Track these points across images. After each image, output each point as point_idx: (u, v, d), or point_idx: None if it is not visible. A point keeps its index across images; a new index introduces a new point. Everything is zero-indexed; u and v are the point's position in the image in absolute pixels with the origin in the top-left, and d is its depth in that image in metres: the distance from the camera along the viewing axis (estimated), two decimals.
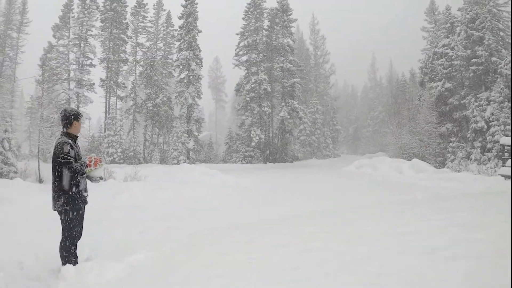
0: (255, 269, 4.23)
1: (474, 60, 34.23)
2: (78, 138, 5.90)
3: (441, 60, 37.71)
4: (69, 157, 5.35)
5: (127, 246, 6.69)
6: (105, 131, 45.55)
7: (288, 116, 47.72)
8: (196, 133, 43.87)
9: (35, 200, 12.89)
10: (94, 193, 12.60)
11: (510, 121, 28.77)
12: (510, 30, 35.51)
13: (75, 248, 5.63)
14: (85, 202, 5.72)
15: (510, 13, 36.10)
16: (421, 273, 3.65)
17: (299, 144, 58.75)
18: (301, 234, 6.22)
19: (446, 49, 37.80)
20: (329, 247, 5.07)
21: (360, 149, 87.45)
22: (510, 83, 30.39)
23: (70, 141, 5.55)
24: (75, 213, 5.51)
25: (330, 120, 69.57)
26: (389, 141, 43.53)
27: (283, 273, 4.06)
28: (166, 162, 43.69)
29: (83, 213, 5.74)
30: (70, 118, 5.67)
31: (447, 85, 36.42)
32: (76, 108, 6.06)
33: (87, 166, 5.44)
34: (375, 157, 33.82)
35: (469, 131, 32.79)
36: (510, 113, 29.26)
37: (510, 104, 29.51)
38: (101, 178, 5.58)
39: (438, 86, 37.29)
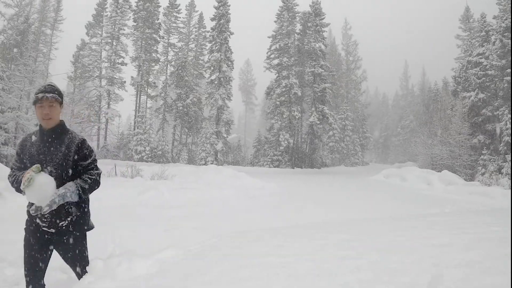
0: (288, 274, 4.04)
1: (508, 70, 33.20)
2: (57, 130, 3.49)
3: (475, 69, 36.74)
4: (14, 164, 3.61)
5: (152, 244, 6.58)
6: (134, 129, 45.97)
7: (318, 122, 47.22)
8: (225, 135, 43.94)
9: None
10: (120, 190, 12.63)
11: None
12: None
13: (27, 282, 3.67)
14: (34, 226, 3.63)
15: None
16: (456, 286, 3.47)
17: (328, 150, 58.05)
18: (333, 241, 5.98)
19: (481, 58, 36.82)
20: (362, 255, 4.83)
21: (389, 157, 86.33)
22: (510, 87, 29.78)
23: (33, 137, 3.53)
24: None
25: (360, 127, 68.72)
26: (419, 151, 42.83)
27: (317, 278, 3.86)
28: (193, 162, 43.86)
29: (32, 243, 3.67)
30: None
31: (481, 95, 35.51)
32: (44, 87, 3.36)
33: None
34: (404, 167, 33.26)
35: (501, 144, 31.83)
36: None
37: None
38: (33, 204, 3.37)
39: (471, 96, 36.40)
